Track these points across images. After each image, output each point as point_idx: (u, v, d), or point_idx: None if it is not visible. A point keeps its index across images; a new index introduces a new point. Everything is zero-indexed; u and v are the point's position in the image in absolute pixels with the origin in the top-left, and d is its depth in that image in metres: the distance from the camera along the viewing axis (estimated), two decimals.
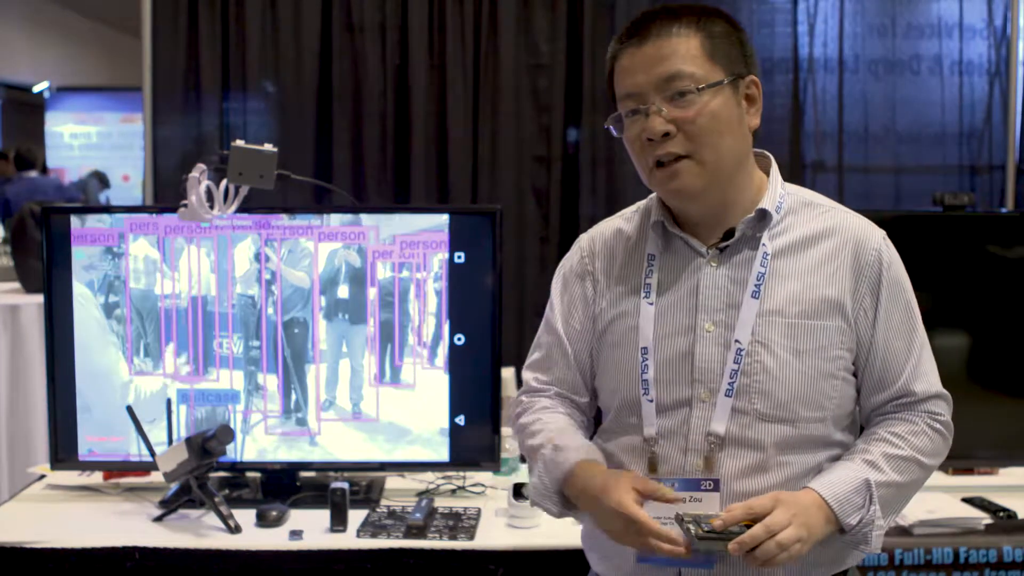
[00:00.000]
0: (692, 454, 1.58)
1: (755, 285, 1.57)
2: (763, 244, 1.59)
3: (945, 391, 1.65)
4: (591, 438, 1.74)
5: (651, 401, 1.60)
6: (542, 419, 1.72)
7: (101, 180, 10.75)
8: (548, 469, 1.64)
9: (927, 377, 1.63)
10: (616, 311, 1.66)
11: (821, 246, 1.60)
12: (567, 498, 1.64)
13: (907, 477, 1.59)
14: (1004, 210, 4.10)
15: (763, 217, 1.60)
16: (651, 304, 1.61)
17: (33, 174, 8.94)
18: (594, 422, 1.79)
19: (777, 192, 1.63)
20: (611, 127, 1.62)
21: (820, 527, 1.51)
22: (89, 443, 2.50)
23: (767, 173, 1.66)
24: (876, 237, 1.62)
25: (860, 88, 4.22)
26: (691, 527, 1.49)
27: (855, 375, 1.63)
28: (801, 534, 1.48)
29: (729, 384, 1.56)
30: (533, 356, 1.80)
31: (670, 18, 1.56)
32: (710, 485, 1.55)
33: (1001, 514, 2.34)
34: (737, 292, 1.58)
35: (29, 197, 7.77)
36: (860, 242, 1.60)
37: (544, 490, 1.65)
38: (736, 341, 1.56)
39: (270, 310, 2.46)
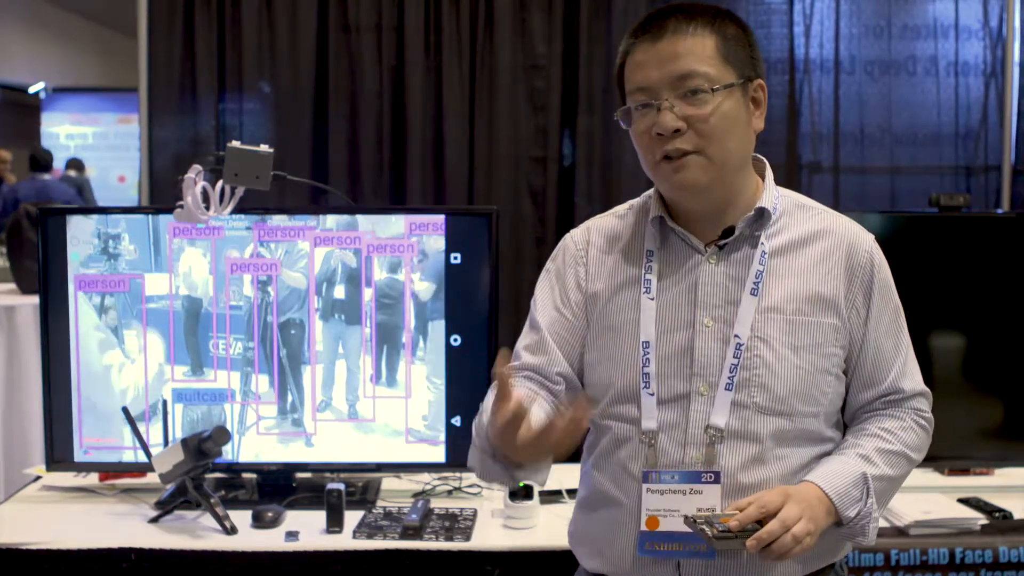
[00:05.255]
0: (690, 447, 1.60)
1: (754, 282, 1.60)
2: (762, 243, 1.62)
3: (927, 388, 1.73)
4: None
5: (652, 395, 1.61)
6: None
7: (78, 167, 10.74)
8: (481, 427, 1.59)
9: (913, 375, 1.71)
10: (612, 304, 1.67)
11: (815, 246, 1.64)
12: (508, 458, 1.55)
13: (897, 471, 1.66)
14: (1000, 211, 4.11)
15: (761, 216, 1.63)
16: (652, 299, 1.63)
17: (46, 176, 9.02)
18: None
19: (773, 194, 1.67)
20: (620, 120, 1.63)
21: (823, 519, 1.55)
22: (85, 444, 2.49)
23: (762, 176, 1.70)
24: (867, 240, 1.67)
25: (856, 89, 4.22)
26: (705, 528, 1.51)
27: (846, 373, 1.68)
28: (810, 527, 1.52)
29: (729, 378, 1.59)
30: (518, 344, 1.76)
31: (686, 17, 1.58)
32: (711, 477, 1.58)
33: (997, 515, 2.34)
34: (735, 289, 1.61)
35: (38, 198, 7.83)
36: (852, 244, 1.65)
37: (480, 447, 1.59)
38: (735, 336, 1.59)
39: (266, 311, 2.46)
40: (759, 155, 1.71)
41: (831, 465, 1.61)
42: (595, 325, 1.69)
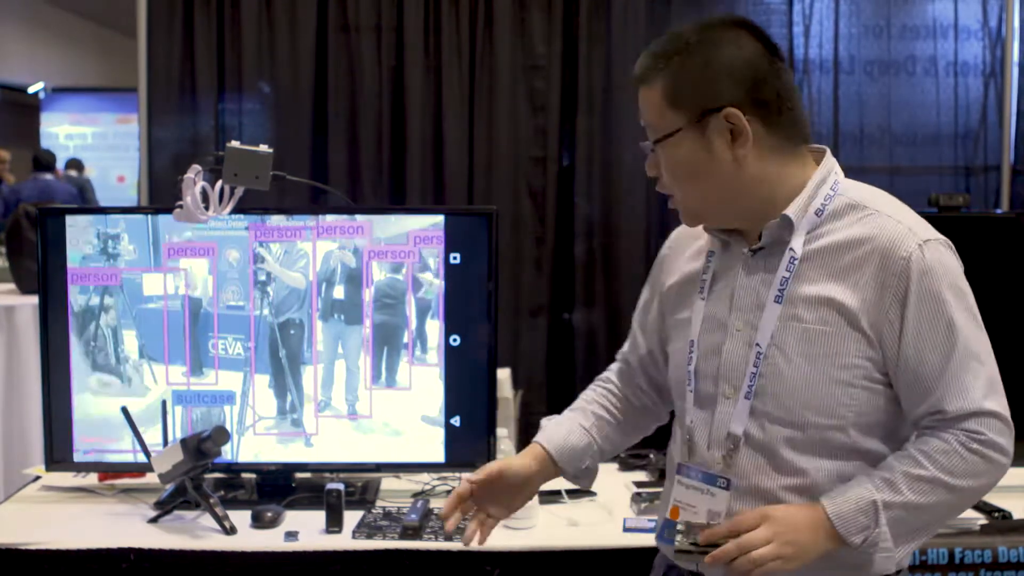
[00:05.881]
0: (714, 448, 1.61)
1: (779, 289, 1.57)
2: (791, 249, 1.57)
3: (995, 408, 1.53)
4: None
5: (692, 392, 1.65)
6: (583, 394, 1.90)
7: (77, 167, 10.76)
8: None
9: (966, 394, 1.53)
10: (679, 303, 1.73)
11: (852, 254, 1.55)
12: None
13: (930, 499, 1.52)
14: (999, 211, 4.11)
15: (787, 223, 1.58)
16: (703, 300, 1.66)
17: (48, 176, 9.04)
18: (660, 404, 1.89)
19: (821, 193, 1.59)
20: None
21: (816, 544, 1.51)
22: (84, 444, 2.49)
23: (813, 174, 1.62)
24: (908, 247, 1.52)
25: (855, 89, 4.23)
26: (679, 536, 1.56)
27: (891, 386, 1.58)
28: (783, 552, 1.49)
29: (749, 385, 1.58)
30: None
31: (649, 59, 1.58)
32: (724, 483, 1.59)
33: (996, 515, 2.34)
34: (765, 294, 1.59)
35: (41, 198, 7.86)
36: (888, 252, 1.53)
37: None
38: (757, 344, 1.57)
39: (265, 311, 2.46)
40: (821, 147, 1.64)
41: (850, 487, 1.53)
42: (668, 321, 1.76)
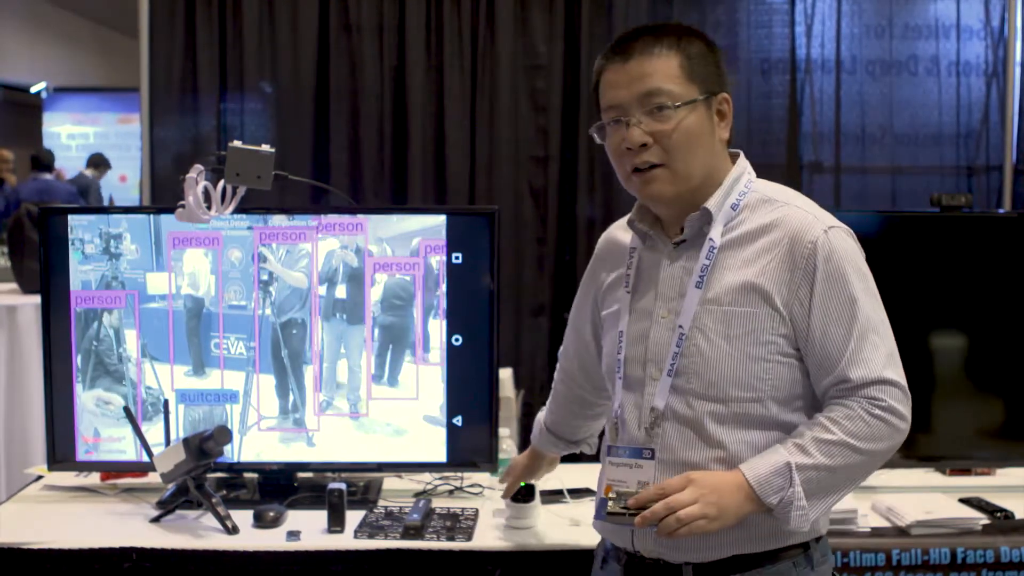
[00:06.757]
0: (643, 427, 1.75)
1: (699, 276, 1.72)
2: (710, 239, 1.72)
3: (893, 377, 1.66)
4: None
5: (621, 378, 1.79)
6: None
7: (97, 165, 10.70)
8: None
9: (867, 364, 1.66)
10: (609, 297, 1.89)
11: (762, 240, 1.71)
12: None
13: (837, 460, 1.64)
14: (1001, 211, 4.11)
15: (707, 215, 1.73)
16: (629, 293, 1.82)
17: (48, 176, 9.07)
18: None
19: (735, 190, 1.75)
20: (594, 134, 1.79)
21: (738, 506, 1.63)
22: (86, 444, 2.50)
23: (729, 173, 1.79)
24: (815, 231, 1.68)
25: (857, 89, 4.22)
26: (610, 502, 1.69)
27: (803, 360, 1.71)
28: (708, 512, 1.61)
29: (671, 365, 1.72)
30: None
31: (654, 38, 1.72)
32: (648, 454, 1.72)
33: (998, 515, 2.35)
34: (687, 282, 1.73)
35: (41, 198, 7.87)
36: (797, 235, 1.68)
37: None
38: (679, 327, 1.71)
39: (267, 311, 2.46)
40: (738, 151, 1.81)
41: (765, 453, 1.66)
42: (603, 316, 1.91)
